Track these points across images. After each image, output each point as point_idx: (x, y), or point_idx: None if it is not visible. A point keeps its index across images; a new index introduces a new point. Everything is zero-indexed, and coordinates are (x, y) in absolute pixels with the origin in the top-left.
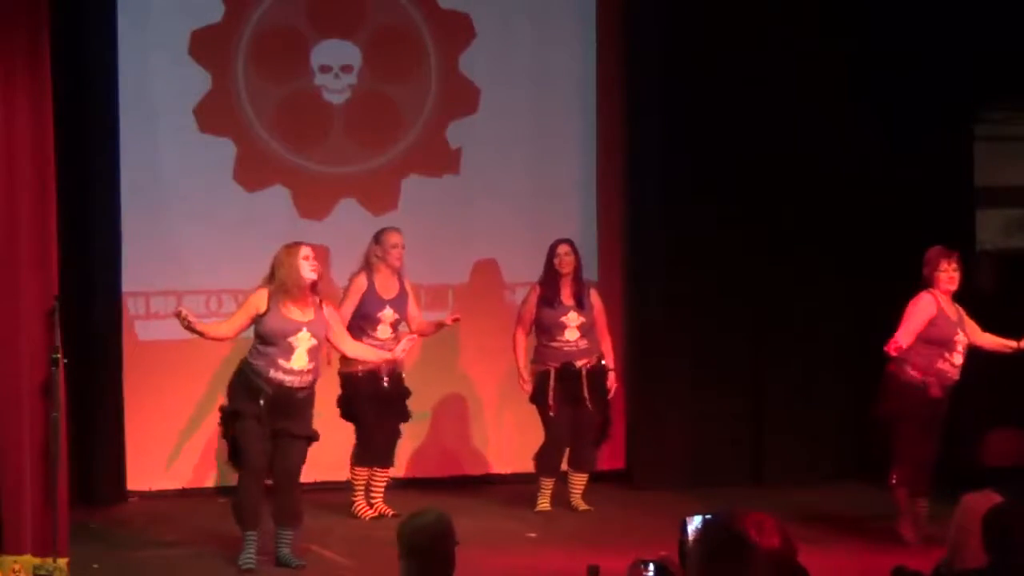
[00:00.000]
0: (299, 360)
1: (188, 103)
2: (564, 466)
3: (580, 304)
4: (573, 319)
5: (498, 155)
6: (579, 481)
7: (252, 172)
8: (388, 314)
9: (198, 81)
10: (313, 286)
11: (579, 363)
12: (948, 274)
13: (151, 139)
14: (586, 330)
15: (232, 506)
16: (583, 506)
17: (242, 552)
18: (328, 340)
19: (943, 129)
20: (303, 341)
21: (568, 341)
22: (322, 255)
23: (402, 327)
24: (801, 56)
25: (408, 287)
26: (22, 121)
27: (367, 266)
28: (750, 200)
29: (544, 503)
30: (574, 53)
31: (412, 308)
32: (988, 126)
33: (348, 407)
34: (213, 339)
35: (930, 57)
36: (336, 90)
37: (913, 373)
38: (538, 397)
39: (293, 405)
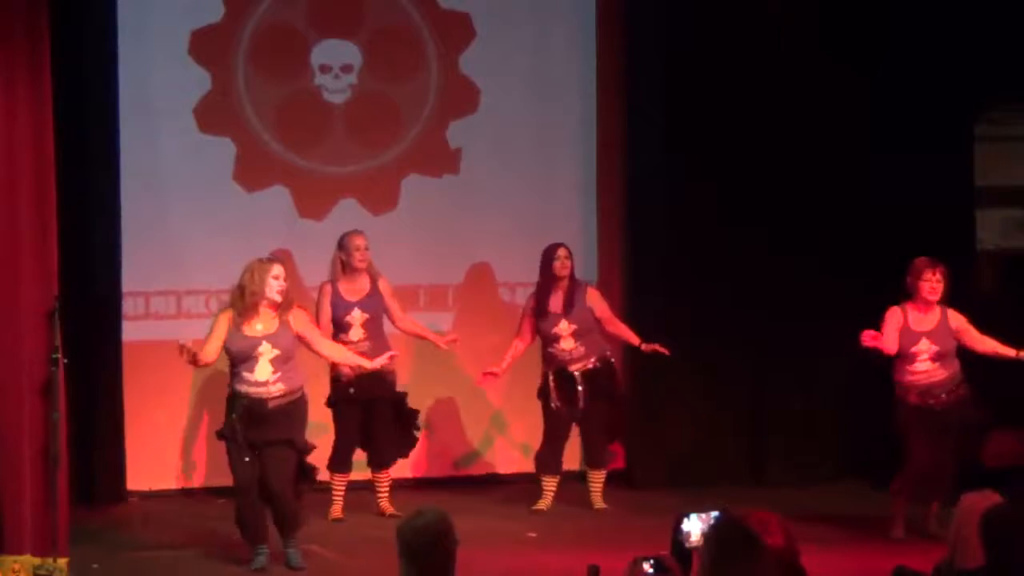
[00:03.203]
0: (262, 372)
1: (188, 103)
2: (569, 467)
3: (569, 308)
4: (564, 328)
5: (498, 155)
6: (597, 478)
7: (252, 172)
8: (357, 316)
9: (198, 81)
10: (277, 304)
11: (572, 368)
12: (931, 284)
13: (151, 139)
14: (581, 334)
15: (236, 524)
16: (601, 505)
17: (253, 560)
18: (308, 347)
19: (943, 129)
20: (265, 352)
21: (563, 350)
22: (322, 255)
23: (387, 327)
24: (801, 56)
25: (382, 287)
26: (22, 121)
27: (331, 272)
28: (750, 200)
29: (542, 503)
30: (574, 53)
31: (391, 304)
32: (988, 126)
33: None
34: (205, 364)
35: (930, 57)
36: (336, 90)
37: (901, 385)
38: (541, 395)
39: (266, 416)
